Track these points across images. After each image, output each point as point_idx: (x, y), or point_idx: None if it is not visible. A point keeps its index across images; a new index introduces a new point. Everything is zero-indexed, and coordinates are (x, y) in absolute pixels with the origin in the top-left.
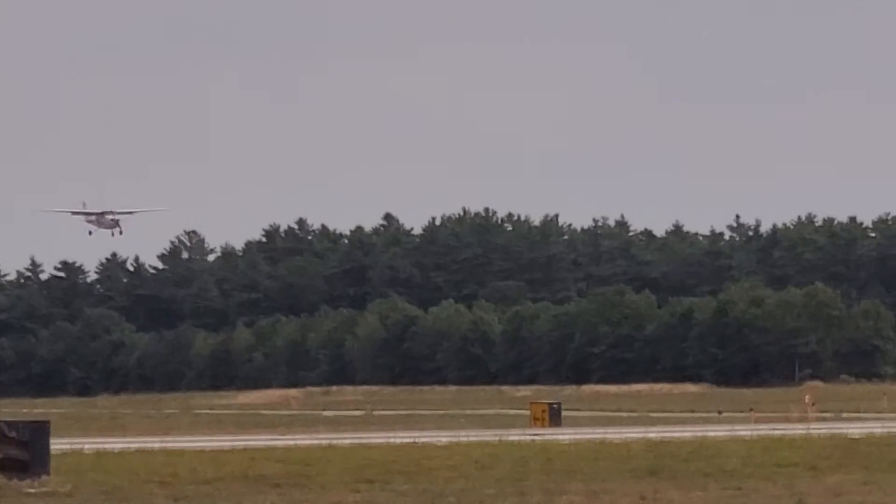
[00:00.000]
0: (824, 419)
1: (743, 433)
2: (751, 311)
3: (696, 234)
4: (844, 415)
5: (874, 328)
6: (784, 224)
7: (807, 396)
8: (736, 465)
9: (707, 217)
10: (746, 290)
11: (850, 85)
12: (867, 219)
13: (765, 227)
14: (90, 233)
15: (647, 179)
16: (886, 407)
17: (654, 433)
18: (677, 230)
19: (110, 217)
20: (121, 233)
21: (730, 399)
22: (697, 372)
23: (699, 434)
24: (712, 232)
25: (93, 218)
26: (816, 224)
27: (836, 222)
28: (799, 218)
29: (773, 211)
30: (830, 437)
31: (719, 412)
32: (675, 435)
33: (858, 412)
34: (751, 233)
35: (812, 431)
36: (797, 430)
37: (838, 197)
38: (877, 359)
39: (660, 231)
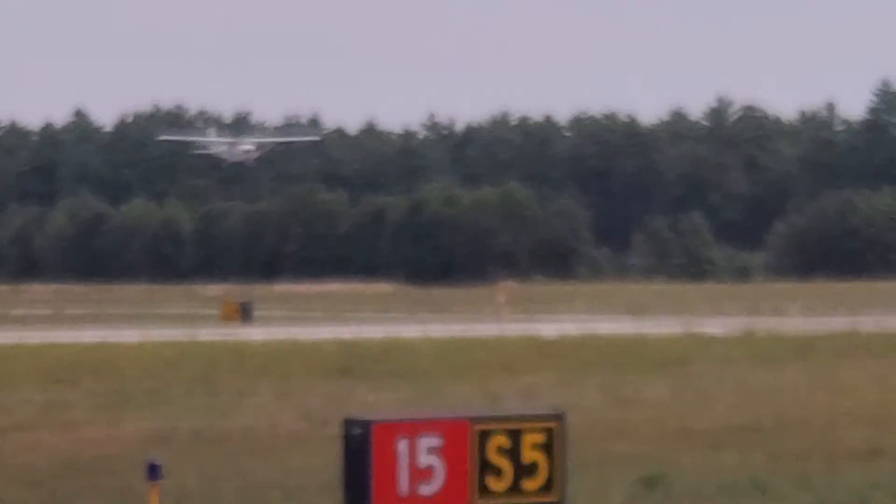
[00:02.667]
0: (518, 319)
1: (436, 333)
2: (444, 211)
3: (390, 132)
4: (538, 315)
5: (569, 228)
6: (479, 122)
7: (500, 296)
8: (428, 366)
9: (400, 114)
10: (440, 188)
11: None
12: (562, 117)
13: (459, 126)
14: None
15: (338, 76)
16: (580, 307)
17: (346, 332)
18: (370, 128)
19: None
20: None
21: (423, 299)
22: (390, 271)
23: (391, 333)
24: (406, 130)
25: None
26: (511, 122)
27: (531, 121)
28: (494, 116)
29: (468, 108)
30: (524, 337)
31: (412, 312)
32: (368, 334)
33: (552, 312)
34: (445, 131)
35: (505, 331)
36: (491, 329)
37: (533, 94)
38: (571, 259)
39: (352, 129)
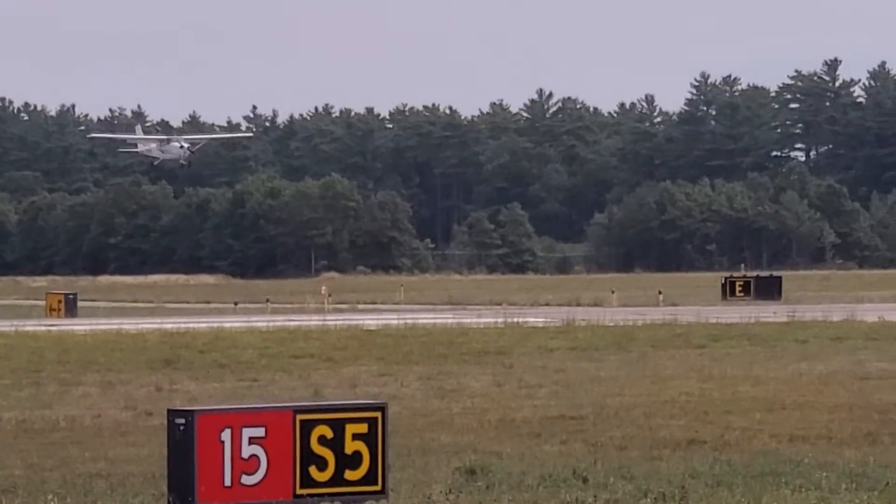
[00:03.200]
0: (340, 310)
1: (259, 324)
2: (267, 202)
3: (213, 124)
4: (360, 306)
5: (391, 220)
6: (301, 115)
7: (323, 288)
8: (252, 357)
9: (224, 108)
10: (263, 181)
11: None
12: (384, 110)
13: (282, 118)
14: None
15: (162, 71)
16: (402, 298)
17: (170, 324)
18: (194, 121)
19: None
20: None
21: (246, 290)
22: (213, 263)
23: (215, 325)
24: (229, 122)
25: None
26: (334, 115)
27: (353, 113)
28: (316, 108)
29: (290, 101)
30: (346, 328)
31: (235, 304)
32: (191, 326)
33: (374, 304)
34: (267, 123)
35: (328, 323)
36: (313, 321)
37: (355, 88)
38: (393, 250)
39: (176, 122)
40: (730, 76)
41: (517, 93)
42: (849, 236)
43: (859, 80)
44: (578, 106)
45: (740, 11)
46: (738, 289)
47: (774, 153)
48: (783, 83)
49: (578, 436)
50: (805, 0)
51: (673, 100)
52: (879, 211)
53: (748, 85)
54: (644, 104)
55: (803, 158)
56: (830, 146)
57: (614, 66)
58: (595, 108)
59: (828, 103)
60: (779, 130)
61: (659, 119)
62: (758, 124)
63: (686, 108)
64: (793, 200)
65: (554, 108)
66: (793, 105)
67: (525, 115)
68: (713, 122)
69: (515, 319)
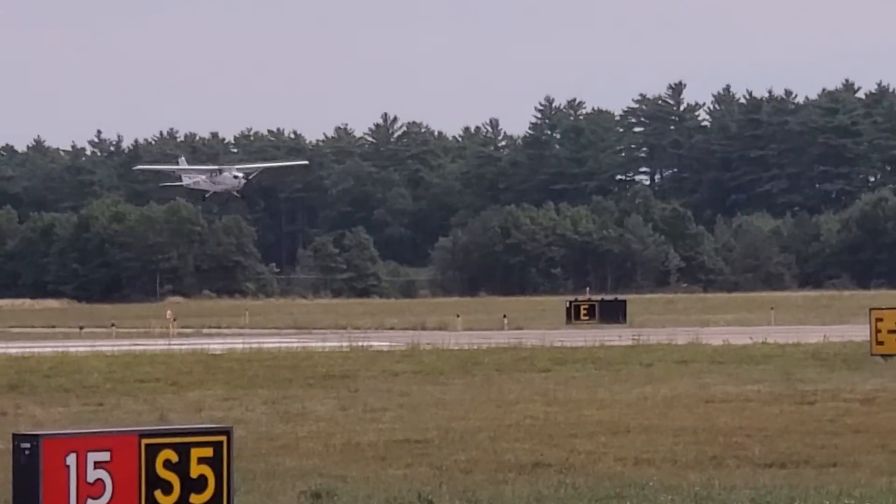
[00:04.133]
0: (186, 335)
1: (104, 348)
2: (112, 227)
3: (58, 149)
4: (205, 331)
5: (236, 244)
6: (146, 139)
7: (168, 312)
8: (97, 381)
9: (69, 132)
10: (108, 205)
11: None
12: (229, 134)
13: (126, 143)
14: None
15: (7, 94)
16: (247, 322)
17: (14, 349)
18: (38, 145)
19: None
20: None
21: (91, 314)
22: (59, 287)
23: (60, 349)
24: (73, 147)
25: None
26: (178, 139)
27: (197, 137)
28: (161, 133)
29: (135, 126)
30: (192, 352)
31: (81, 328)
32: (37, 350)
33: (220, 328)
34: (112, 148)
35: (173, 347)
36: (159, 345)
37: (200, 112)
38: (238, 275)
39: (21, 146)
40: (574, 100)
41: (362, 117)
42: (693, 260)
43: (704, 104)
44: (423, 130)
45: (584, 36)
46: (582, 312)
47: (619, 177)
48: (628, 107)
49: (423, 459)
50: (649, 24)
51: (517, 124)
52: (724, 234)
53: (593, 108)
54: (489, 128)
55: (648, 182)
56: (675, 170)
57: (459, 91)
58: (440, 133)
59: (672, 127)
60: (623, 154)
61: (503, 143)
62: (602, 148)
63: (530, 131)
64: (637, 224)
65: (398, 133)
66: (637, 129)
67: (370, 139)
68: (558, 146)
69: (360, 343)
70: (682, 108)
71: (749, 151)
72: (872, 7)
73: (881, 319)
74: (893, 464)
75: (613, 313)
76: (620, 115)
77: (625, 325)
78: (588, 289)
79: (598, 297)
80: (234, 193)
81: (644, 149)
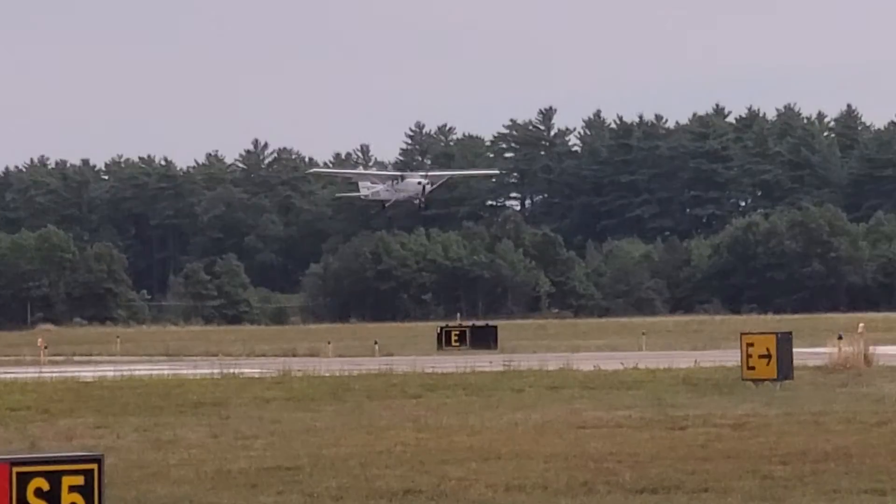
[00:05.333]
0: (56, 363)
1: None
2: None
3: None
4: (77, 358)
5: (107, 271)
6: (17, 166)
7: (39, 339)
8: None
9: None
10: None
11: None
12: (100, 161)
13: None
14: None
15: None
16: (119, 350)
17: None
18: None
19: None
20: None
21: None
22: None
23: None
24: None
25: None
26: (49, 166)
27: (68, 164)
28: (31, 160)
29: (5, 153)
30: (63, 380)
31: None
32: None
33: (91, 355)
34: None
35: (44, 375)
36: (29, 373)
37: (70, 139)
38: (109, 302)
39: None
40: (445, 125)
41: (232, 144)
42: (564, 285)
43: (574, 129)
44: (294, 156)
45: (454, 61)
46: (453, 338)
47: (490, 202)
48: (498, 132)
49: (295, 486)
50: (519, 49)
51: (388, 149)
52: (594, 259)
53: (463, 134)
54: (359, 154)
55: (518, 207)
56: (545, 195)
57: (329, 117)
58: (310, 159)
59: (543, 152)
60: (494, 180)
61: (374, 169)
62: None
63: (401, 157)
64: (508, 249)
65: (269, 159)
66: (508, 154)
67: (241, 165)
68: None
69: (231, 370)
70: (552, 133)
71: (620, 176)
72: (742, 32)
73: (752, 344)
74: (764, 489)
75: (484, 339)
76: (491, 141)
77: (496, 350)
78: (459, 315)
79: (469, 323)
80: (416, 202)
81: (514, 174)
